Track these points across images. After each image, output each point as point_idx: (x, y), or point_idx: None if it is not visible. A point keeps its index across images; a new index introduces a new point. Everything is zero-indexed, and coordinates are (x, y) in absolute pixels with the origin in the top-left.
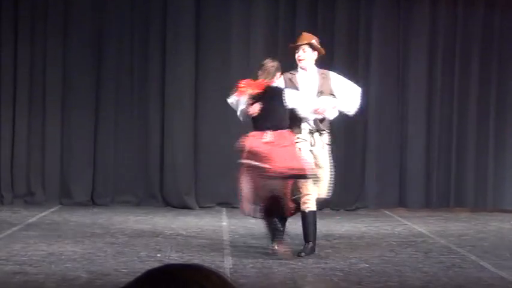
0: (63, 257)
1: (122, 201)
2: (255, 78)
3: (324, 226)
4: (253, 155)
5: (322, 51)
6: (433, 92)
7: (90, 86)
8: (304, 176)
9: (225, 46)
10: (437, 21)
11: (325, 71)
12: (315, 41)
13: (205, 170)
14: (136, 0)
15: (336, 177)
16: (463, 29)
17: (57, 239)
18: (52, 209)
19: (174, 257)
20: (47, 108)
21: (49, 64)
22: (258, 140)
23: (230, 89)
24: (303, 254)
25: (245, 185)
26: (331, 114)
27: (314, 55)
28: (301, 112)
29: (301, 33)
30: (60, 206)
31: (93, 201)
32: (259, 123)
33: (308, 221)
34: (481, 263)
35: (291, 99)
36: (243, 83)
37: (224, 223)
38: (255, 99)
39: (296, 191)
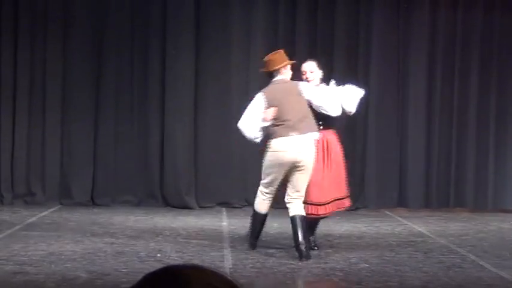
0: (63, 257)
1: (122, 201)
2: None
3: (324, 226)
4: None
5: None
6: (433, 93)
7: (90, 86)
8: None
9: (225, 46)
10: (437, 24)
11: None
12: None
13: (205, 170)
14: (136, 0)
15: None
16: (462, 33)
17: (57, 239)
18: (52, 209)
19: (174, 257)
20: (47, 109)
21: (49, 64)
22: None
23: (230, 89)
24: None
25: None
26: None
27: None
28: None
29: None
30: (60, 206)
31: (93, 201)
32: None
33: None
34: (481, 263)
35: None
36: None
37: (224, 223)
38: None
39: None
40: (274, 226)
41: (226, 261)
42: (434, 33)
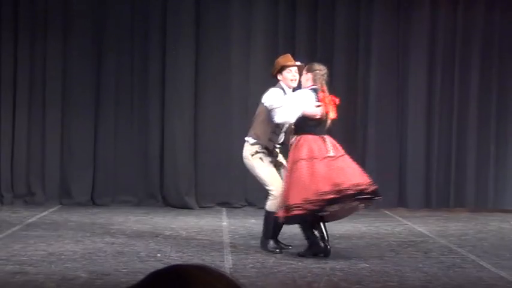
0: (63, 257)
1: (122, 201)
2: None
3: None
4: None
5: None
6: (433, 92)
7: (90, 86)
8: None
9: (225, 47)
10: (437, 24)
11: None
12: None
13: (205, 170)
14: (136, 0)
15: None
16: (462, 32)
17: (57, 239)
18: (52, 209)
19: (174, 257)
20: (46, 109)
21: (49, 65)
22: (322, 147)
23: (230, 88)
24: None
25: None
26: None
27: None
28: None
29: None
30: (60, 206)
31: (93, 201)
32: (318, 128)
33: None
34: (481, 263)
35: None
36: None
37: (224, 223)
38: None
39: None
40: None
41: (226, 261)
42: (434, 32)
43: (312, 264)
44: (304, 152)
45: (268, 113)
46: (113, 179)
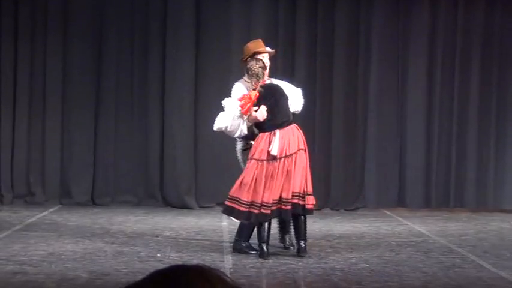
0: (63, 257)
1: (122, 201)
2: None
3: (324, 226)
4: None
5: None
6: (433, 92)
7: (90, 86)
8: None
9: (225, 46)
10: (437, 23)
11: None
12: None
13: (205, 170)
14: (136, 0)
15: (336, 177)
16: (463, 32)
17: (57, 239)
18: (52, 209)
19: (174, 257)
20: (47, 109)
21: (49, 64)
22: (266, 146)
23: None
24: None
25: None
26: None
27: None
28: (299, 106)
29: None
30: (60, 206)
31: (93, 201)
32: (267, 124)
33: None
34: (481, 263)
35: (295, 93)
36: (241, 103)
37: (224, 223)
38: (257, 104)
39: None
40: (273, 226)
41: (226, 261)
42: (434, 30)
43: (312, 264)
44: (253, 151)
45: None
46: (113, 179)
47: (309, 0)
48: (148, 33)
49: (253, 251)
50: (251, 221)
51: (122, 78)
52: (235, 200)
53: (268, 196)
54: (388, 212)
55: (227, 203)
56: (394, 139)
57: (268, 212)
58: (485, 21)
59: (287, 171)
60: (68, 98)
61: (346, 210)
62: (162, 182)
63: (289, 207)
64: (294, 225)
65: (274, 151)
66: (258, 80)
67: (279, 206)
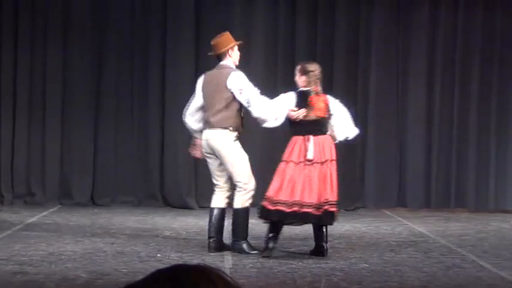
0: (63, 257)
1: (122, 201)
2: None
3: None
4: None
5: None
6: (434, 93)
7: (90, 86)
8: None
9: None
10: (437, 24)
11: None
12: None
13: (205, 170)
14: (136, 0)
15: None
16: (463, 33)
17: (57, 239)
18: (52, 209)
19: (174, 257)
20: (47, 109)
21: (49, 65)
22: (301, 151)
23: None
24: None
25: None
26: None
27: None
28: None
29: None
30: (60, 206)
31: (93, 201)
32: (302, 128)
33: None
34: (481, 263)
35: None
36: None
37: (224, 223)
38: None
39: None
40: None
41: (226, 261)
42: (434, 33)
43: (312, 264)
44: (286, 154)
45: (236, 98)
46: (113, 179)
47: (309, 1)
48: (148, 33)
49: (254, 250)
50: (293, 223)
51: (121, 78)
52: (277, 202)
53: (309, 197)
54: (388, 212)
55: (269, 206)
56: (394, 139)
57: (310, 211)
58: (486, 23)
59: (324, 176)
60: (68, 99)
61: (346, 210)
62: (162, 182)
63: (320, 212)
64: (318, 227)
65: (310, 155)
66: (316, 84)
67: (314, 209)
